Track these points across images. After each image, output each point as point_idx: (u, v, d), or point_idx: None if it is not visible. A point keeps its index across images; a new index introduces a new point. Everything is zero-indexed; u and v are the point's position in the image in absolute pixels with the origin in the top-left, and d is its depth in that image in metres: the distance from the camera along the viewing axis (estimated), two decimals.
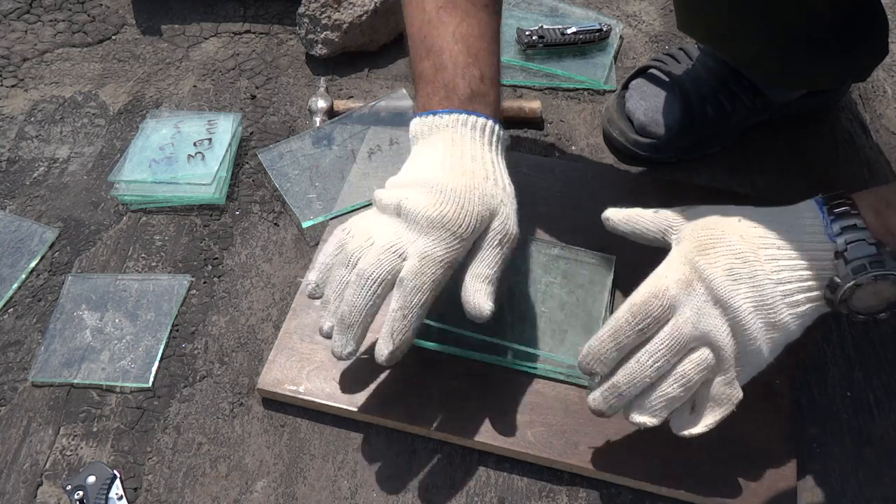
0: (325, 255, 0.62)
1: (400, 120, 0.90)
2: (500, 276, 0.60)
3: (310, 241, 0.82)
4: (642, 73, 0.90)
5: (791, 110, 0.90)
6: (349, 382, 0.69)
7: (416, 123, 0.63)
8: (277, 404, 0.70)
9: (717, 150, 0.89)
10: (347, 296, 0.58)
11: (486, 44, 0.64)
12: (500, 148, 0.64)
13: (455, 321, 0.67)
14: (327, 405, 0.68)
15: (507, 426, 0.65)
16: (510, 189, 0.63)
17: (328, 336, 0.61)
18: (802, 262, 0.55)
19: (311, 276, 0.62)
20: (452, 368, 0.69)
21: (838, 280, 0.53)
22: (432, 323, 0.68)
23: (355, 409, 0.67)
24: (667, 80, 0.88)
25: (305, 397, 0.68)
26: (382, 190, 0.63)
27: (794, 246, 0.55)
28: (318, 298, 0.62)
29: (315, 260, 0.64)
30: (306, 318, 0.73)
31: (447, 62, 0.63)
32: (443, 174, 0.59)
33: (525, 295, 0.71)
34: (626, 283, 0.73)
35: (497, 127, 0.63)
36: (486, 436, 0.65)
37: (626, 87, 0.91)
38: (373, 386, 0.68)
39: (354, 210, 0.82)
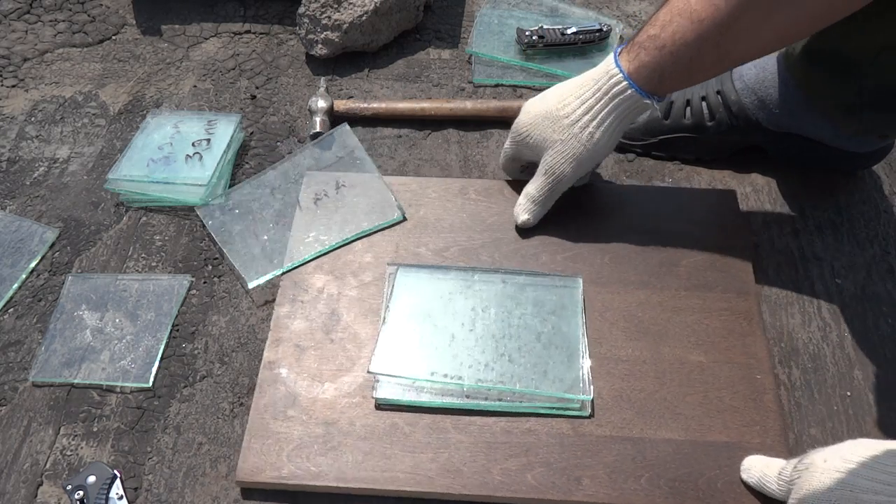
0: None
1: (348, 159, 0.85)
2: (549, 198, 0.76)
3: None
4: None
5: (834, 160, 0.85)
6: (335, 456, 0.65)
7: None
8: (261, 493, 0.65)
9: (693, 158, 0.88)
10: None
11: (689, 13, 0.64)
12: (616, 105, 0.70)
13: (440, 374, 0.67)
14: (315, 486, 0.64)
15: (505, 473, 0.63)
16: (595, 138, 0.72)
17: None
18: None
19: None
20: (440, 424, 0.66)
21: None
22: (418, 378, 0.67)
23: (347, 486, 0.63)
24: None
25: (290, 482, 0.63)
26: None
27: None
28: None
29: None
30: (275, 394, 0.68)
31: (653, 20, 0.67)
32: (547, 96, 0.75)
33: (501, 333, 0.70)
34: (595, 300, 0.73)
35: (627, 87, 0.68)
36: (487, 487, 0.63)
37: None
38: (360, 456, 0.65)
39: (305, 263, 0.77)
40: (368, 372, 0.68)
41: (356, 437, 0.66)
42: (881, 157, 0.84)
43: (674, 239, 0.78)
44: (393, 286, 0.74)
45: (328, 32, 0.98)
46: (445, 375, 0.68)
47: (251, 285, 0.77)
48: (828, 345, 0.74)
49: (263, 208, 0.82)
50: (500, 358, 0.69)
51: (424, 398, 0.67)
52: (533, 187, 0.77)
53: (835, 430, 0.68)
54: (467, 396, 0.67)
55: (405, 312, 0.72)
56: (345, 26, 0.97)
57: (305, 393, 0.68)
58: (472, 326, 0.71)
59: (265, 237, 0.79)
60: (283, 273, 0.77)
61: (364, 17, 0.97)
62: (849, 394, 0.70)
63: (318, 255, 0.78)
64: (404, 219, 0.80)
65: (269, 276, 0.77)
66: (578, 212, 0.80)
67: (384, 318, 0.72)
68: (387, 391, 0.67)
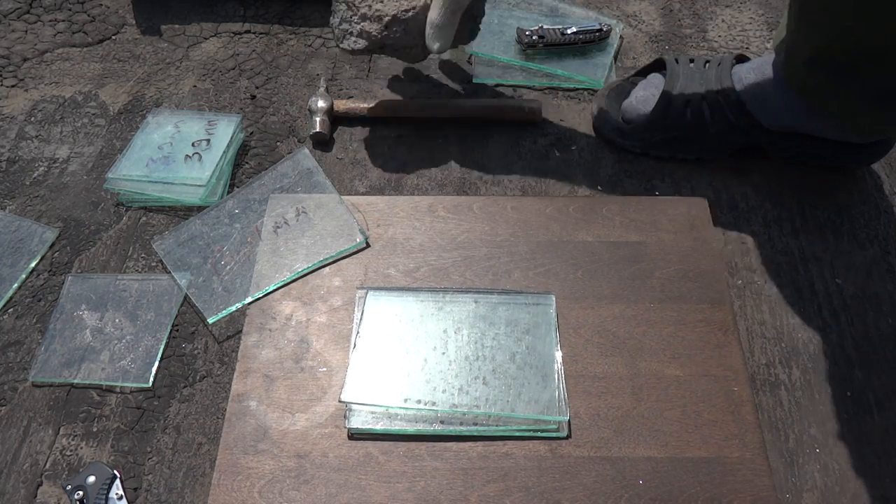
0: None
1: (306, 183, 0.83)
2: (452, 20, 0.78)
3: None
4: (662, 65, 0.91)
5: (830, 158, 0.85)
6: (308, 489, 0.63)
7: None
8: None
9: (693, 158, 0.88)
10: None
11: None
12: None
13: (413, 399, 0.66)
14: None
15: (484, 500, 0.62)
16: None
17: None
18: None
19: None
20: (415, 451, 0.65)
21: None
22: (391, 406, 0.66)
23: None
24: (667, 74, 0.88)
25: None
26: None
27: None
28: None
29: None
30: (245, 428, 0.66)
31: None
32: None
33: (475, 354, 0.70)
34: (568, 317, 0.73)
35: None
36: None
37: (644, 74, 0.93)
38: (333, 489, 0.63)
39: (269, 293, 0.75)
40: (340, 401, 0.67)
41: (329, 468, 0.64)
42: (884, 151, 0.84)
43: (646, 250, 0.77)
44: (363, 311, 0.72)
45: (366, 24, 0.82)
46: (419, 401, 0.66)
47: (212, 321, 0.74)
48: (828, 345, 0.74)
49: (222, 241, 0.79)
50: (475, 381, 0.68)
51: (398, 426, 0.66)
52: (434, 14, 0.78)
53: (835, 430, 0.68)
54: (442, 422, 0.66)
55: (376, 337, 0.71)
56: (386, 19, 0.81)
57: (276, 425, 0.66)
58: (444, 349, 0.70)
59: (226, 267, 0.77)
60: (250, 303, 0.75)
61: (410, 13, 0.80)
62: (849, 394, 0.70)
63: (283, 284, 0.76)
64: (367, 244, 0.78)
65: (232, 309, 0.75)
66: (549, 226, 0.79)
67: (354, 344, 0.70)
68: (359, 420, 0.66)
